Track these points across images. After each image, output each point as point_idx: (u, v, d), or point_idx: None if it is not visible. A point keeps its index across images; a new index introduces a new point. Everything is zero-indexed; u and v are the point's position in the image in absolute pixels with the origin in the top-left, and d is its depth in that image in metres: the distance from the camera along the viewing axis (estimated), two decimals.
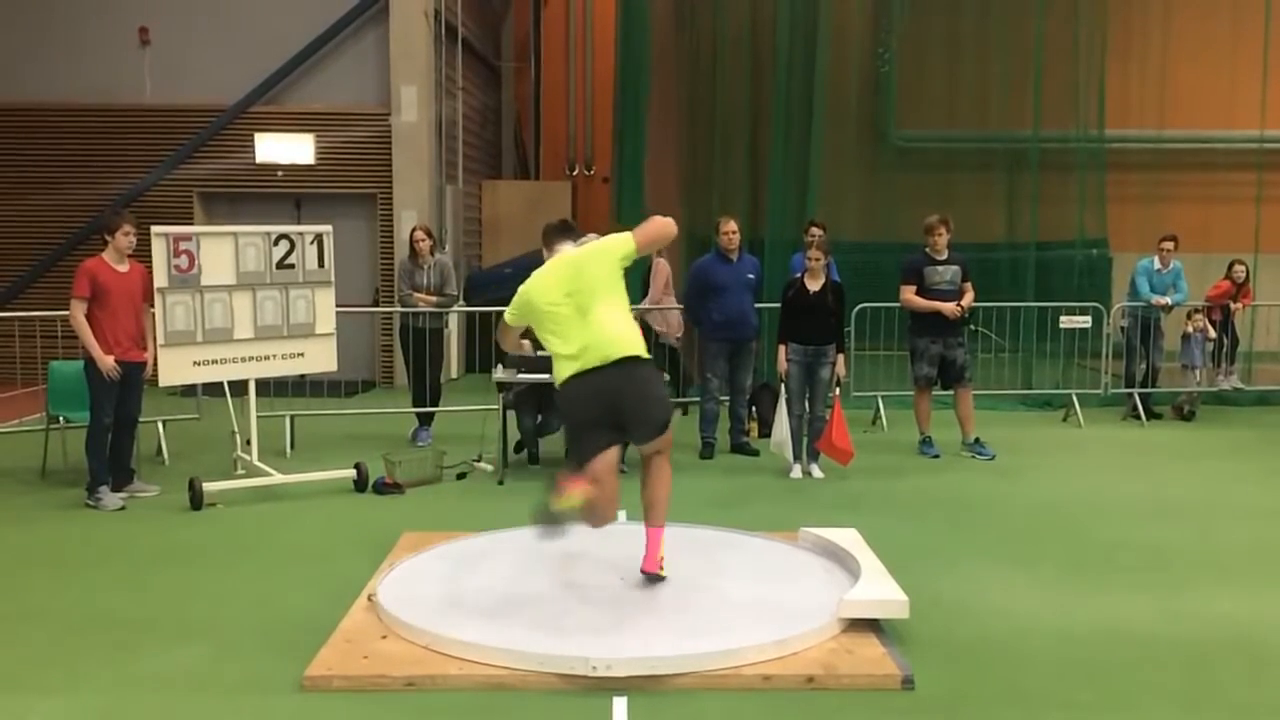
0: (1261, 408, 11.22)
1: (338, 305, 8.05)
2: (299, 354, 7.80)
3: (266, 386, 8.68)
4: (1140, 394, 10.56)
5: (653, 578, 5.18)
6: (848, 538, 5.69)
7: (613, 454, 4.95)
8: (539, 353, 7.42)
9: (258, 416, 7.82)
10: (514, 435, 8.43)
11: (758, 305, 8.95)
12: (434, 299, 9.08)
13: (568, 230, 5.40)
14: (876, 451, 8.82)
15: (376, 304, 12.38)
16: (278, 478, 7.41)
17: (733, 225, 8.76)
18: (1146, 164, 13.49)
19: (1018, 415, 10.76)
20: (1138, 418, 10.46)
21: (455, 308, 9.99)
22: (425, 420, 9.23)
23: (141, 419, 7.59)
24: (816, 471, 8.06)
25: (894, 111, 13.65)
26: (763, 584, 5.32)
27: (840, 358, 8.07)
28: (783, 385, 8.04)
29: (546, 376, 7.70)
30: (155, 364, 7.32)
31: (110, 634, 4.86)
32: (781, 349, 8.04)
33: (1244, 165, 13.30)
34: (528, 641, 4.45)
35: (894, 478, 8.06)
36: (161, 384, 7.46)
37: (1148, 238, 11.06)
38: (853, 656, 4.48)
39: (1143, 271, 10.52)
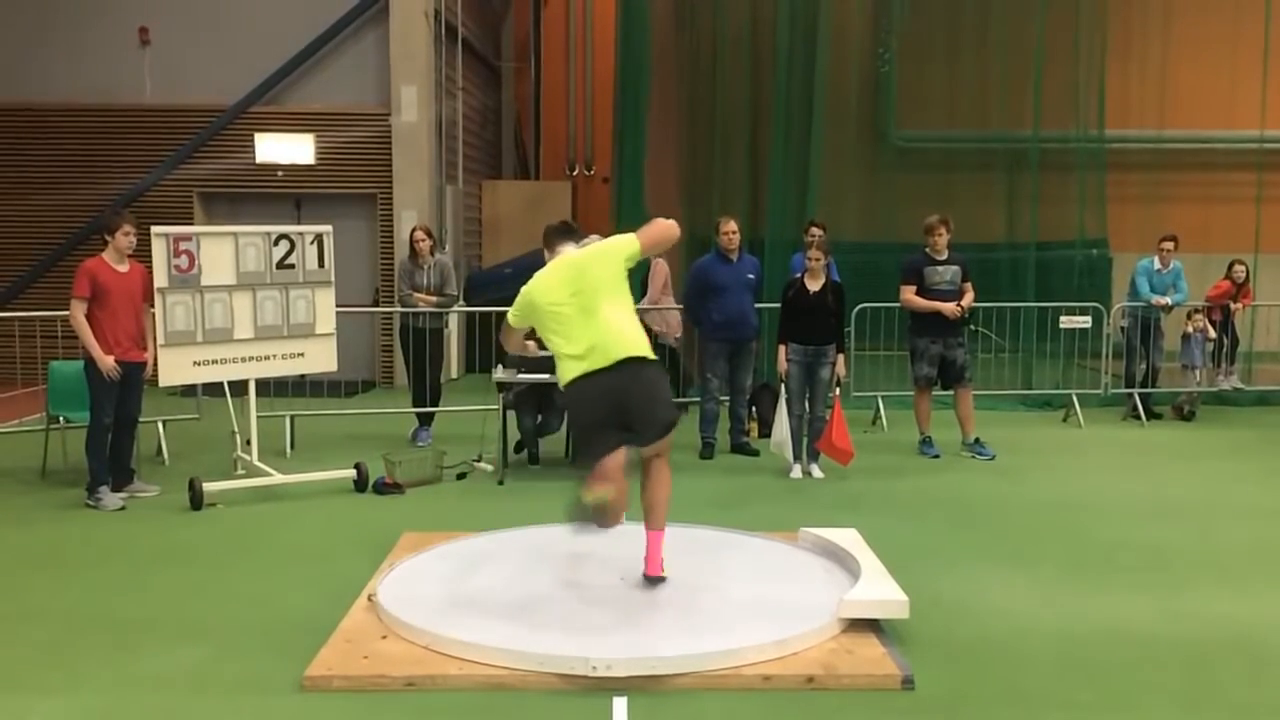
0: (1261, 408, 11.22)
1: (338, 305, 8.05)
2: (299, 354, 7.80)
3: (266, 386, 8.68)
4: (1140, 394, 10.56)
5: (655, 580, 5.18)
6: (848, 538, 5.69)
7: (622, 454, 4.93)
8: (543, 352, 7.41)
9: (258, 416, 7.82)
10: (514, 435, 8.43)
11: (758, 305, 8.95)
12: (434, 299, 9.08)
13: (569, 231, 5.40)
14: (876, 451, 8.82)
15: (376, 304, 12.39)
16: (278, 478, 7.41)
17: (733, 225, 8.76)
18: (1146, 164, 13.49)
19: (1018, 415, 10.76)
20: (1138, 418, 10.46)
21: (455, 308, 9.99)
22: (425, 420, 9.24)
23: (141, 419, 7.60)
24: (816, 471, 8.06)
25: (894, 111, 13.66)
26: (763, 584, 5.32)
27: (840, 358, 8.07)
28: (783, 385, 8.04)
29: (546, 376, 7.73)
30: (155, 364, 7.32)
31: (110, 634, 4.86)
32: (781, 349, 8.05)
33: (1244, 165, 13.30)
34: (528, 641, 4.45)
35: (894, 478, 8.06)
36: (161, 384, 7.47)
37: (1148, 238, 11.06)
38: (853, 656, 4.48)
39: (1143, 271, 10.52)
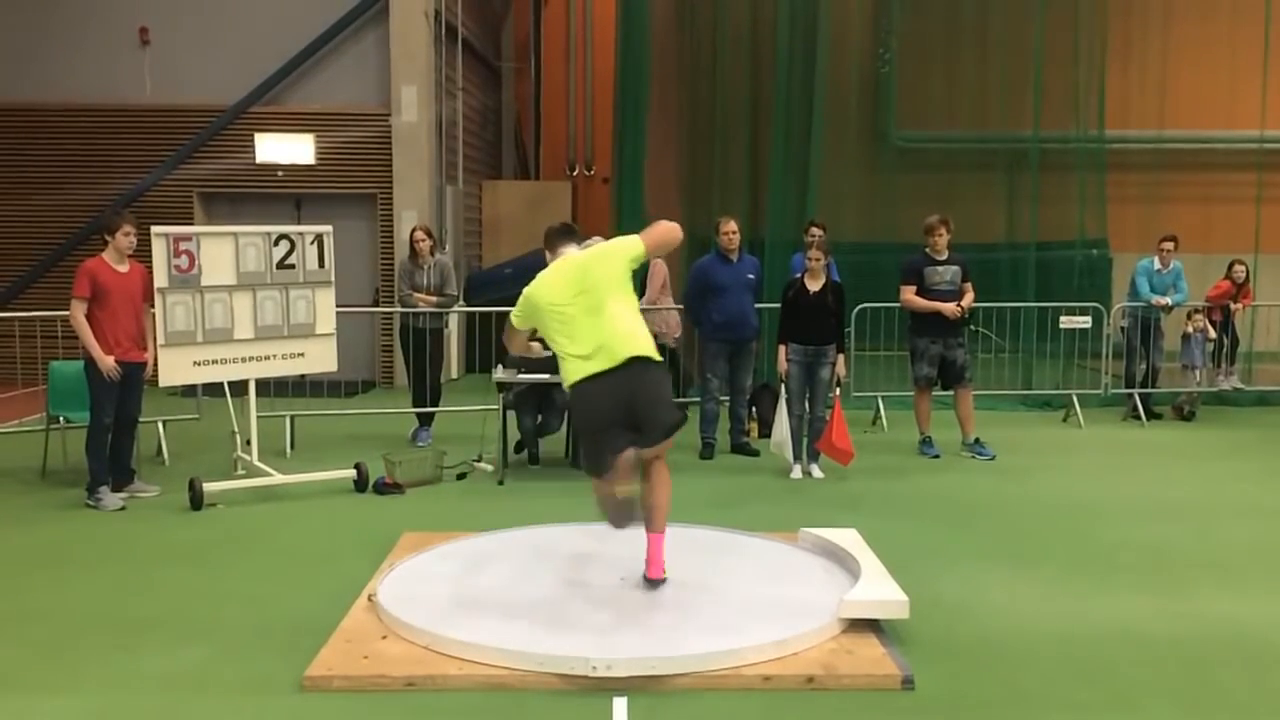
0: (1261, 408, 11.22)
1: (338, 305, 8.05)
2: (299, 354, 7.80)
3: (267, 387, 8.68)
4: (1140, 394, 10.56)
5: (656, 583, 5.18)
6: (848, 538, 5.69)
7: (631, 454, 4.93)
8: (546, 353, 7.41)
9: (258, 417, 7.82)
10: (514, 435, 8.43)
11: (758, 305, 8.95)
12: (434, 299, 9.08)
13: (571, 233, 5.40)
14: (876, 452, 8.82)
15: (376, 304, 12.39)
16: (278, 478, 7.41)
17: (733, 225, 8.76)
18: (1147, 164, 13.50)
19: (1018, 415, 10.76)
20: (1138, 418, 10.46)
21: (455, 308, 9.99)
22: (425, 420, 9.24)
23: (142, 419, 7.59)
24: (816, 472, 8.07)
25: (894, 112, 13.66)
26: (763, 584, 5.31)
27: (840, 358, 8.07)
28: (783, 385, 8.04)
29: (546, 377, 7.74)
30: (155, 364, 7.32)
31: (110, 634, 4.86)
32: (781, 349, 8.05)
33: (1244, 165, 13.31)
34: (528, 641, 4.45)
35: (894, 478, 8.06)
36: (162, 384, 7.47)
37: (1148, 238, 11.06)
38: (853, 657, 4.48)
39: (1143, 272, 10.52)
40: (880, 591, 4.90)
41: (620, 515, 4.97)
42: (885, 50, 13.39)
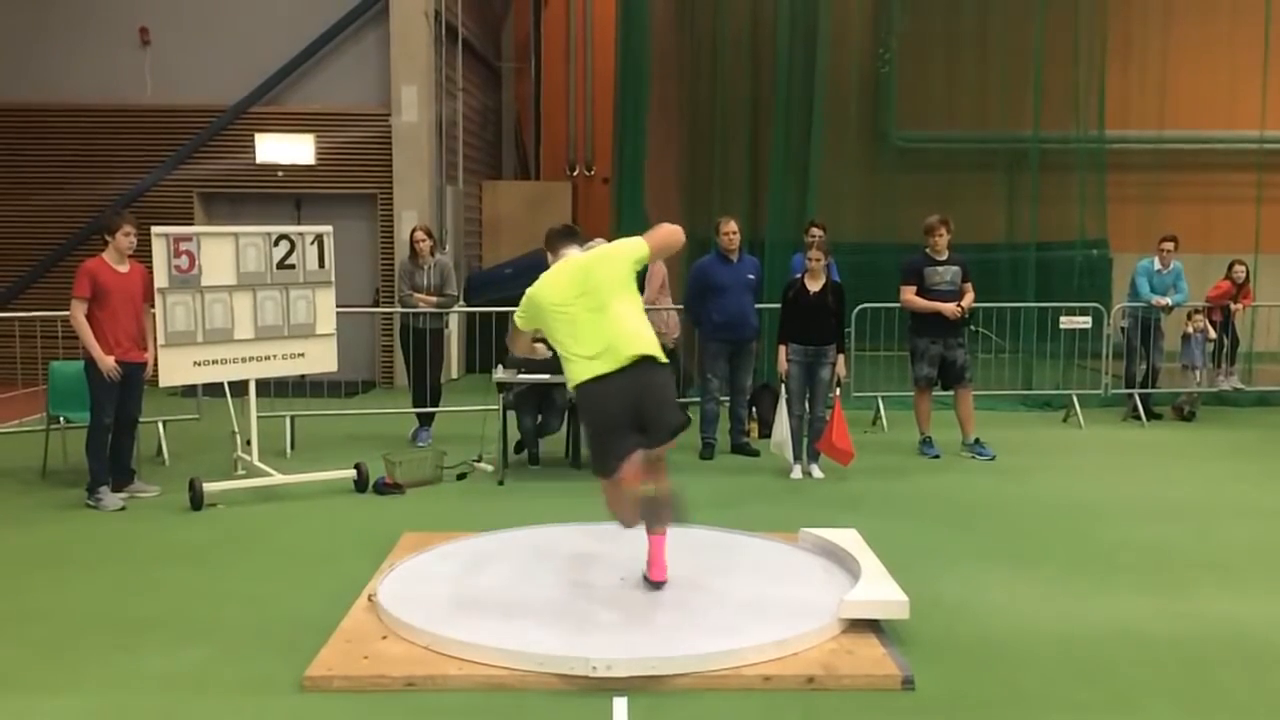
0: (1262, 408, 11.22)
1: (338, 305, 8.05)
2: (299, 354, 7.80)
3: (267, 387, 8.68)
4: (1140, 394, 10.56)
5: (658, 585, 5.17)
6: (848, 538, 5.69)
7: (640, 455, 4.92)
8: (551, 354, 7.40)
9: (258, 417, 7.82)
10: (514, 435, 8.43)
11: (758, 306, 8.95)
12: (434, 299, 9.08)
13: (572, 234, 5.39)
14: (877, 452, 8.82)
15: (377, 304, 12.39)
16: (278, 478, 7.41)
17: (733, 225, 8.76)
18: (1147, 164, 13.50)
19: (1018, 416, 10.76)
20: (1138, 418, 10.46)
21: (455, 308, 9.99)
22: (425, 420, 9.24)
23: (142, 419, 7.60)
24: (817, 472, 8.07)
25: (894, 112, 13.66)
26: (763, 584, 5.31)
27: (840, 358, 8.07)
28: (783, 386, 8.04)
29: (546, 377, 7.75)
30: (155, 364, 7.32)
31: (110, 634, 4.86)
32: (782, 349, 8.05)
33: (1244, 165, 13.31)
34: (528, 641, 4.45)
35: (894, 478, 8.06)
36: (162, 384, 7.47)
37: (1148, 238, 11.06)
38: (853, 657, 4.48)
39: (1143, 272, 10.52)
40: (880, 592, 4.90)
41: (640, 514, 4.93)
42: (885, 50, 13.39)
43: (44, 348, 8.58)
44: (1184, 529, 6.70)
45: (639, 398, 4.91)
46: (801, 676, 4.32)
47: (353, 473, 7.58)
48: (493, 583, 5.35)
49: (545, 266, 5.30)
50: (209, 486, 7.09)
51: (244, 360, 7.56)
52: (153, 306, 7.29)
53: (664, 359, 5.06)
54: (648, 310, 9.54)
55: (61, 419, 7.91)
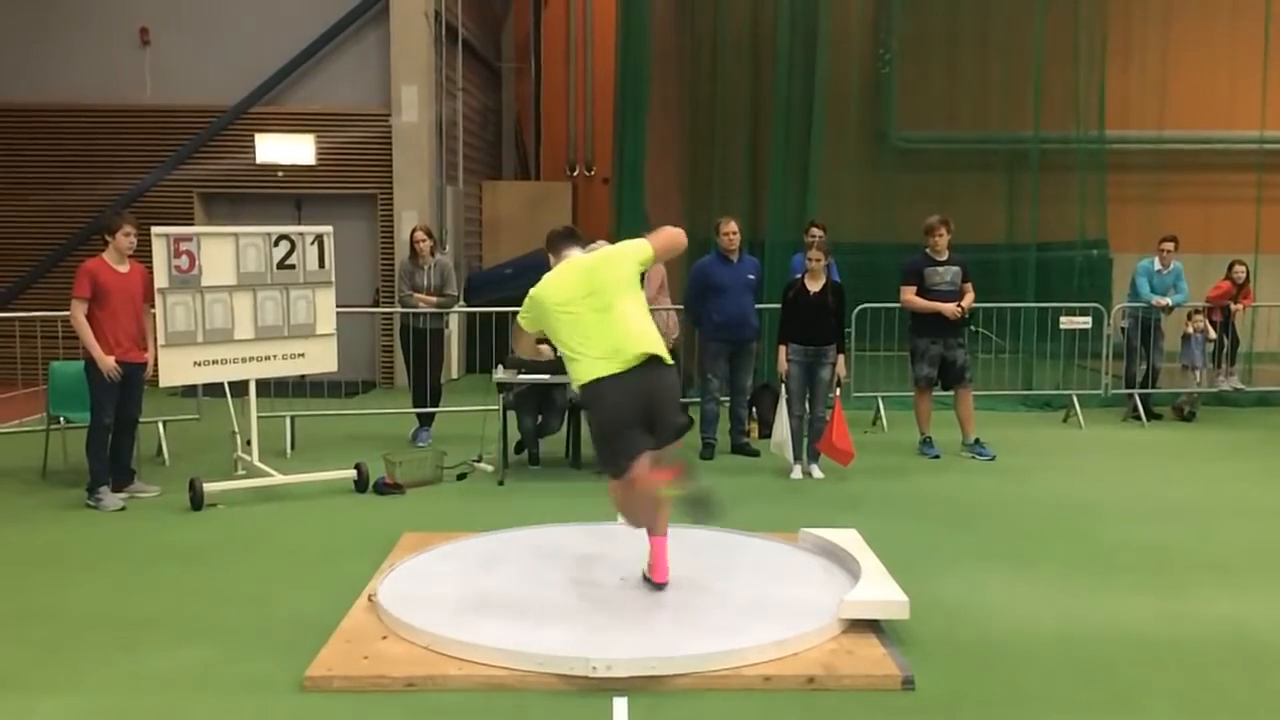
0: (1262, 408, 11.22)
1: (338, 306, 8.05)
2: (299, 354, 7.80)
3: (267, 387, 8.68)
4: (1141, 395, 10.57)
5: (660, 586, 5.17)
6: (848, 538, 5.69)
7: (649, 456, 4.92)
8: (556, 355, 7.41)
9: (258, 417, 7.82)
10: (514, 436, 8.43)
11: (758, 306, 8.96)
12: (434, 299, 9.08)
13: (574, 236, 5.39)
14: (877, 452, 8.82)
15: (377, 304, 12.39)
16: (278, 478, 7.41)
17: (733, 226, 8.76)
18: (1147, 165, 13.51)
19: (1018, 416, 10.76)
20: (1138, 418, 10.46)
21: (455, 308, 9.99)
22: (425, 421, 9.24)
23: (142, 419, 7.59)
24: (817, 472, 8.07)
25: (894, 112, 13.67)
26: (763, 584, 5.32)
27: (840, 358, 8.07)
28: (783, 386, 8.04)
29: (546, 377, 7.75)
30: (156, 364, 7.32)
31: (110, 634, 4.86)
32: (782, 350, 8.05)
33: (1244, 166, 13.31)
34: (528, 641, 4.45)
35: (894, 478, 8.06)
36: (162, 384, 7.47)
37: (1148, 238, 11.05)
38: (853, 657, 4.49)
39: (1143, 272, 10.52)
40: (880, 592, 4.90)
41: (702, 507, 4.90)
42: (885, 50, 13.39)
43: (44, 348, 8.58)
44: (1184, 529, 6.70)
45: (648, 398, 4.90)
46: (802, 676, 4.32)
47: (353, 473, 7.58)
48: (493, 583, 5.35)
49: (546, 267, 5.30)
50: (209, 486, 7.09)
51: (244, 360, 7.56)
52: (153, 306, 7.29)
53: (670, 360, 5.06)
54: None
55: (62, 419, 7.91)
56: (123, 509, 7.05)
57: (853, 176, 12.80)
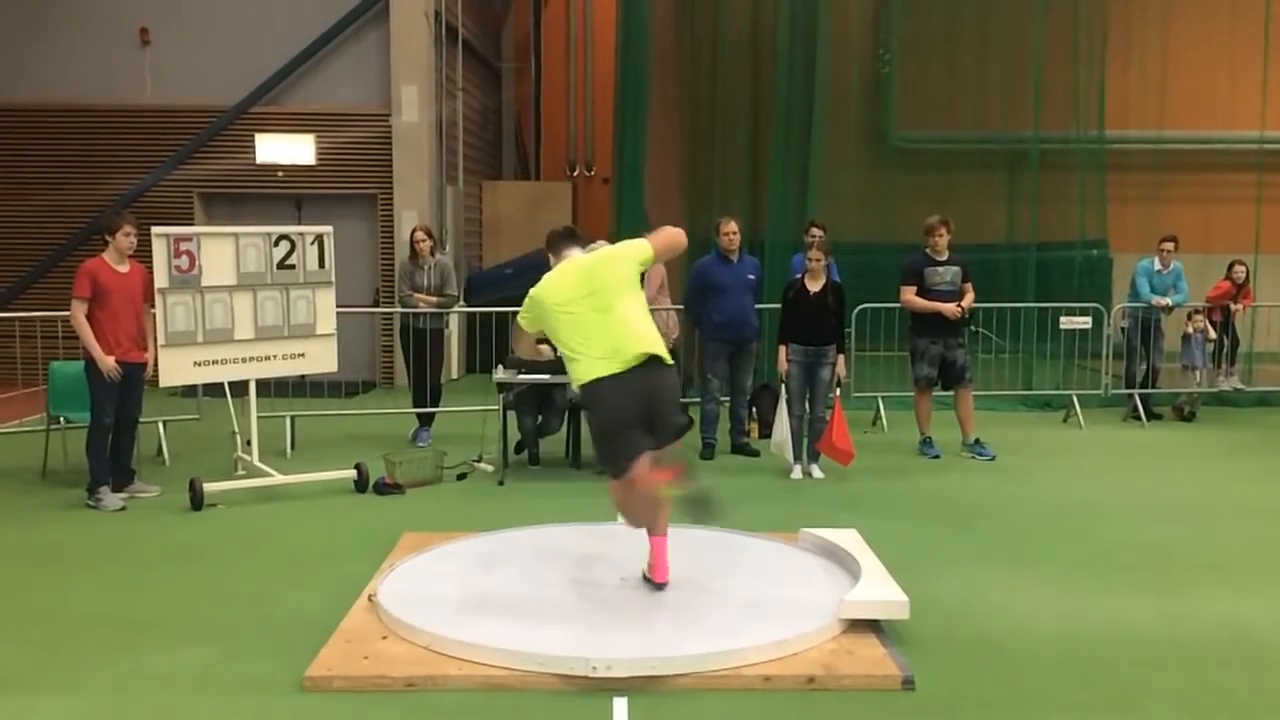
0: (1262, 408, 11.22)
1: (338, 306, 8.05)
2: (299, 354, 7.81)
3: (267, 387, 8.68)
4: (1141, 395, 10.56)
5: (660, 585, 5.17)
6: (848, 538, 5.69)
7: (649, 456, 4.92)
8: (556, 355, 7.41)
9: (258, 417, 7.82)
10: (514, 436, 8.43)
11: (758, 306, 8.96)
12: (434, 299, 9.08)
13: (574, 236, 5.39)
14: (877, 452, 8.82)
15: (377, 304, 12.39)
16: (278, 478, 7.41)
17: (733, 226, 8.76)
18: (1147, 165, 13.50)
19: (1018, 416, 10.76)
20: (1138, 418, 10.46)
21: (455, 308, 9.99)
22: (425, 421, 9.24)
23: (142, 419, 7.60)
24: (817, 472, 8.07)
25: (894, 112, 13.67)
26: (763, 584, 5.32)
27: (840, 358, 8.07)
28: (783, 386, 8.04)
29: (546, 377, 7.75)
30: (156, 364, 7.32)
31: (110, 634, 4.86)
32: (782, 350, 8.05)
33: (1244, 166, 13.31)
34: (528, 641, 4.45)
35: (894, 478, 8.06)
36: (162, 384, 7.47)
37: (1148, 238, 11.06)
38: (853, 657, 4.49)
39: (1143, 272, 10.52)
40: (880, 592, 4.90)
41: (703, 507, 4.90)
42: (885, 50, 13.39)
43: (44, 348, 8.58)
44: (1184, 529, 6.71)
45: (648, 398, 4.90)
46: (802, 676, 4.32)
47: (353, 473, 7.58)
48: (493, 583, 5.35)
49: (546, 267, 5.30)
50: (209, 486, 7.09)
51: (244, 360, 7.56)
52: (153, 306, 7.29)
53: (670, 360, 5.06)
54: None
55: (62, 419, 7.91)
56: (123, 509, 7.05)
57: (853, 176, 12.80)
